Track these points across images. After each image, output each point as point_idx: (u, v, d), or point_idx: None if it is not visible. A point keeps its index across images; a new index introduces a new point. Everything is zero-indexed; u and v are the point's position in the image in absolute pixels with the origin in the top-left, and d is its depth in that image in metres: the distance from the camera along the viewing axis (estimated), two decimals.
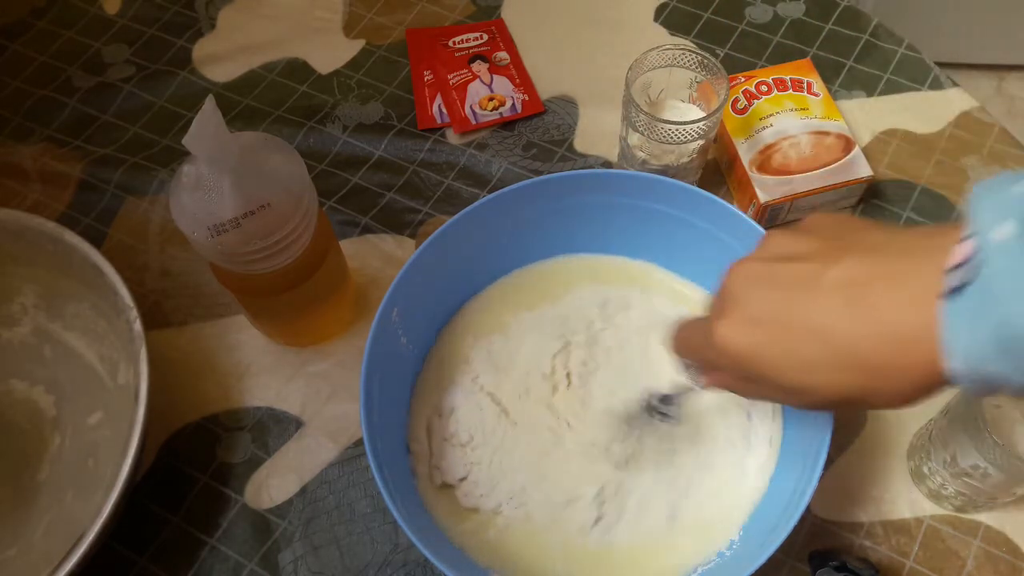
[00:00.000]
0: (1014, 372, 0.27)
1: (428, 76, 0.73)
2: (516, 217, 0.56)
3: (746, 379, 0.37)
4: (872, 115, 0.69)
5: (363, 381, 0.48)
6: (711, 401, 0.52)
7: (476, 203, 0.54)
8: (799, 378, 0.33)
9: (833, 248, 0.33)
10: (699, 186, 0.57)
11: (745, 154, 0.62)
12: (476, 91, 0.71)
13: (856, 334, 0.31)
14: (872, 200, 0.64)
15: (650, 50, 0.59)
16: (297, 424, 0.57)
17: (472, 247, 0.56)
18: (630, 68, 0.58)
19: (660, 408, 0.50)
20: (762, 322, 0.33)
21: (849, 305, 0.31)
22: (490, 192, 0.66)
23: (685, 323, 0.41)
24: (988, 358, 0.27)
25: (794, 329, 0.32)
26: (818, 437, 0.46)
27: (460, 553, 0.49)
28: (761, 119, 0.64)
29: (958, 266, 0.27)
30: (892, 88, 0.70)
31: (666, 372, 0.53)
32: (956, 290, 0.27)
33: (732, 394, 0.40)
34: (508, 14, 0.78)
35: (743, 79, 0.66)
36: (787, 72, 0.67)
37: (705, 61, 0.58)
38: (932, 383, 0.30)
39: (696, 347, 0.39)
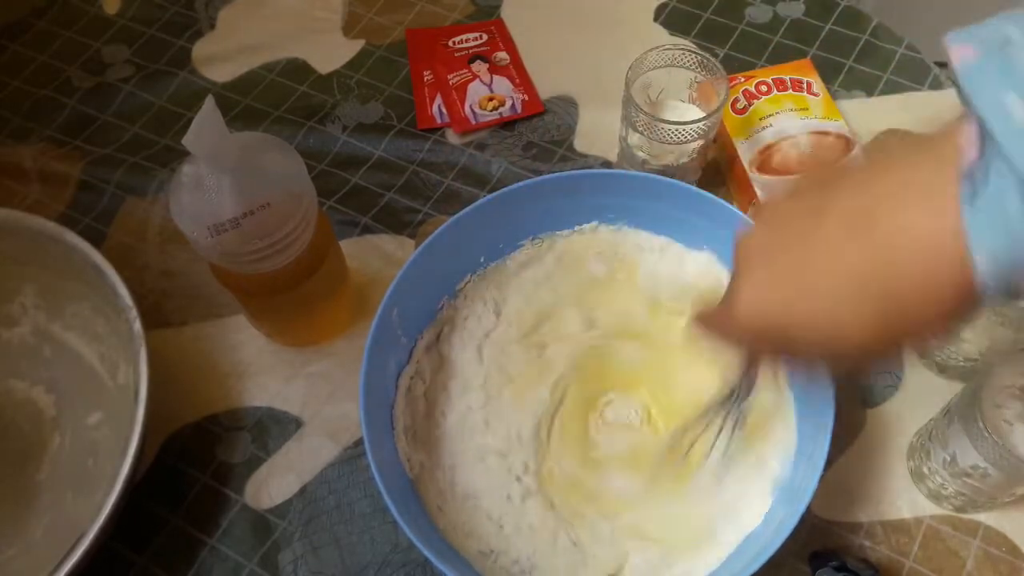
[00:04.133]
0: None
1: (428, 76, 0.73)
2: (516, 217, 0.56)
3: (783, 348, 0.35)
4: (872, 115, 0.69)
5: (362, 381, 0.48)
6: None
7: (476, 203, 0.54)
8: (830, 325, 0.31)
9: (825, 192, 0.32)
10: (699, 186, 0.57)
11: (745, 154, 0.62)
12: (476, 91, 0.71)
13: (879, 257, 0.29)
14: None
15: (650, 50, 0.59)
16: (297, 424, 0.57)
17: (472, 247, 0.56)
18: (630, 68, 0.58)
19: (733, 412, 0.47)
20: (779, 282, 0.33)
21: (864, 231, 0.30)
22: (490, 192, 0.66)
23: (705, 313, 0.39)
24: (1018, 256, 0.26)
25: (811, 278, 0.31)
26: (818, 437, 0.46)
27: (458, 554, 0.49)
28: (761, 119, 0.64)
29: (966, 169, 0.26)
30: (892, 88, 0.70)
31: None
32: (973, 192, 0.26)
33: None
34: (508, 14, 0.78)
35: (743, 79, 0.66)
36: (787, 72, 0.67)
37: (705, 61, 0.58)
38: (961, 296, 0.28)
39: (725, 332, 0.38)
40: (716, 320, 0.38)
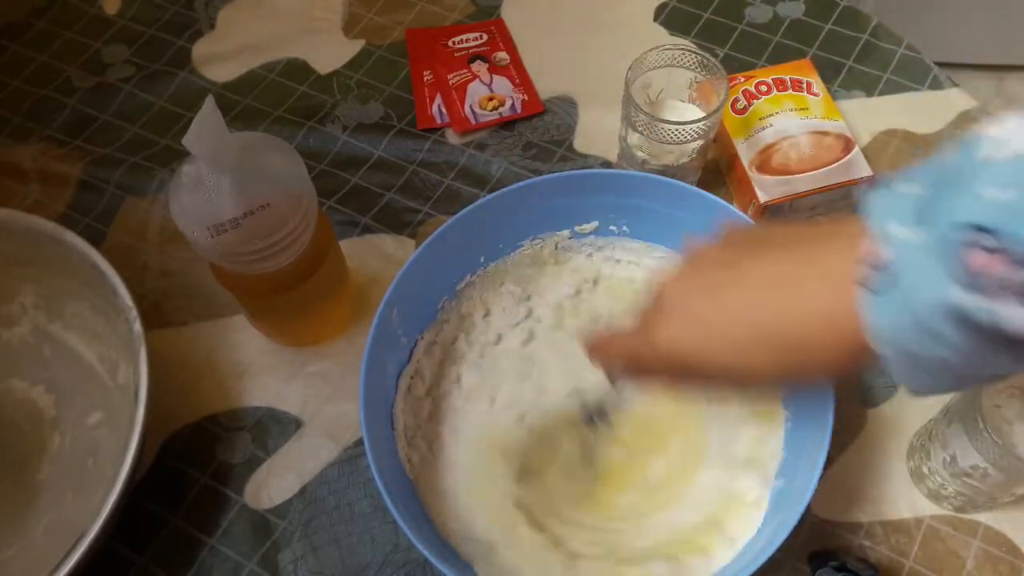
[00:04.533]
0: (932, 345, 0.29)
1: (428, 76, 0.73)
2: (516, 217, 0.56)
3: (686, 376, 0.40)
4: (872, 115, 0.69)
5: (362, 381, 0.48)
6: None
7: (476, 203, 0.54)
8: (737, 363, 0.36)
9: (753, 250, 0.37)
10: (699, 186, 0.57)
11: (745, 154, 0.62)
12: (476, 91, 0.71)
13: (781, 317, 0.34)
14: None
15: (650, 50, 0.59)
16: (297, 424, 0.57)
17: (472, 247, 0.56)
18: (630, 68, 0.58)
19: (595, 418, 0.52)
20: (699, 321, 0.37)
21: (773, 292, 0.35)
22: (490, 192, 0.66)
23: (610, 336, 0.43)
24: (906, 338, 0.30)
25: (728, 322, 0.36)
26: (818, 437, 0.46)
27: (457, 554, 0.49)
28: (761, 119, 0.64)
29: (868, 260, 0.30)
30: (892, 88, 0.70)
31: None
32: (870, 280, 0.30)
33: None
34: (508, 14, 0.78)
35: (743, 79, 0.66)
36: (787, 72, 0.67)
37: (705, 61, 0.58)
38: (857, 355, 0.32)
39: (630, 355, 0.41)
40: (623, 345, 0.42)
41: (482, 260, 0.57)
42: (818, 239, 0.35)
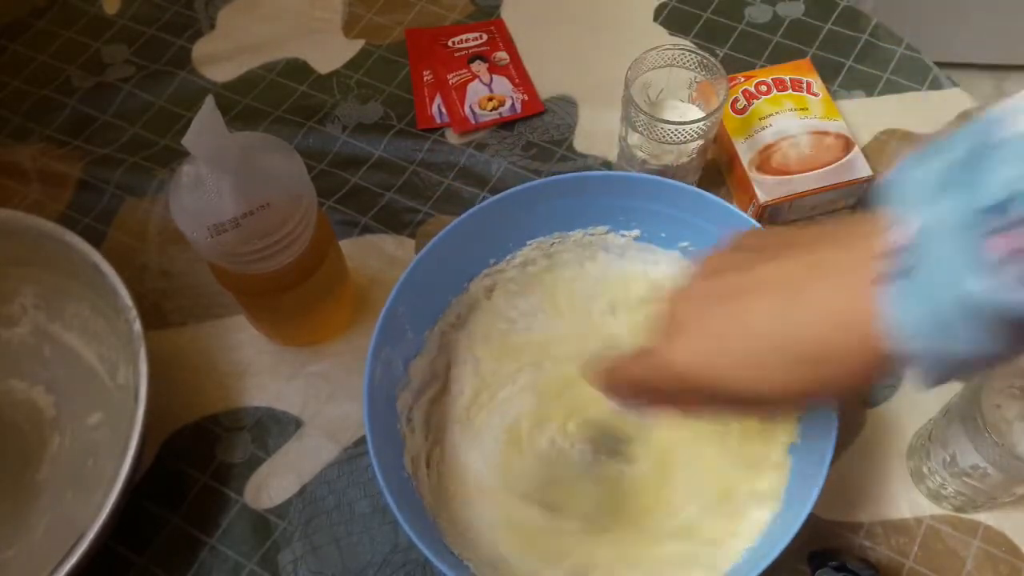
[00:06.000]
0: (952, 344, 0.28)
1: (428, 76, 0.73)
2: (518, 218, 0.56)
3: (703, 400, 0.37)
4: (872, 115, 0.69)
5: (367, 380, 0.48)
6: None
7: (480, 205, 0.54)
8: (754, 383, 0.34)
9: (765, 254, 0.35)
10: (699, 186, 0.57)
11: (745, 154, 0.62)
12: (476, 91, 0.71)
13: (798, 328, 0.32)
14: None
15: (650, 50, 0.59)
16: (297, 424, 0.57)
17: (475, 247, 0.56)
18: (630, 68, 0.58)
19: (613, 450, 0.50)
20: (713, 337, 0.35)
21: (787, 301, 0.32)
22: (490, 192, 0.66)
23: (618, 362, 0.39)
24: (927, 335, 0.28)
25: (743, 336, 0.34)
26: (822, 438, 0.46)
27: (458, 555, 0.49)
28: (761, 119, 0.64)
29: (889, 252, 0.29)
30: (892, 88, 0.70)
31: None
32: (891, 275, 0.28)
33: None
34: (508, 14, 0.78)
35: (743, 79, 0.66)
36: (787, 72, 0.67)
37: (705, 61, 0.58)
38: (879, 365, 0.31)
39: (644, 381, 0.38)
40: (634, 369, 0.38)
41: (492, 262, 0.57)
42: (835, 238, 0.33)
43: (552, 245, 0.58)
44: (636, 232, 0.57)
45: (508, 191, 0.54)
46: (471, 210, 0.54)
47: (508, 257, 0.58)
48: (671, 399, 0.39)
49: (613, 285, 0.59)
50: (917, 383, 0.31)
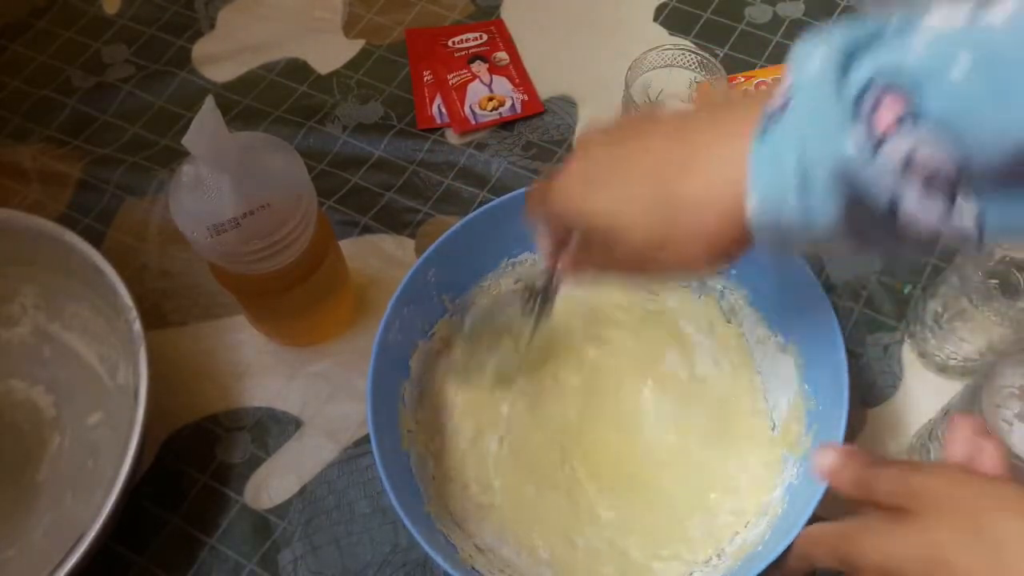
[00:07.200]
0: (805, 212, 0.29)
1: (428, 76, 0.73)
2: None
3: (579, 230, 0.40)
4: None
5: (371, 379, 0.48)
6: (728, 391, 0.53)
7: (482, 208, 0.54)
8: (619, 218, 0.36)
9: (671, 117, 0.37)
10: None
11: None
12: (476, 91, 0.71)
13: (667, 178, 0.34)
14: None
15: (650, 50, 0.59)
16: (297, 424, 0.57)
17: (479, 248, 0.56)
18: (630, 68, 0.58)
19: (536, 298, 0.50)
20: (593, 172, 0.38)
21: (667, 153, 0.35)
22: (490, 192, 0.66)
23: (538, 184, 0.43)
24: (785, 194, 0.29)
25: (619, 177, 0.36)
26: (828, 441, 0.46)
27: (457, 550, 0.49)
28: None
29: (774, 110, 0.30)
30: None
31: None
32: (765, 129, 0.30)
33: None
34: (508, 14, 0.78)
35: (743, 79, 0.66)
36: None
37: (705, 61, 0.58)
38: (731, 232, 0.32)
39: (540, 204, 0.41)
40: (538, 192, 0.42)
41: (515, 251, 0.57)
42: (733, 101, 0.35)
43: None
44: None
45: (519, 191, 0.54)
46: (473, 213, 0.53)
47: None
48: (553, 225, 0.42)
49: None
50: (760, 248, 0.33)
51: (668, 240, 0.35)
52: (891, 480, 0.36)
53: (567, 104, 0.72)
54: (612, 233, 0.37)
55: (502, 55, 0.74)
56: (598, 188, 0.37)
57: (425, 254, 0.52)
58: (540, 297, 0.50)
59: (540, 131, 0.70)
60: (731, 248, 0.34)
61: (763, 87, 0.65)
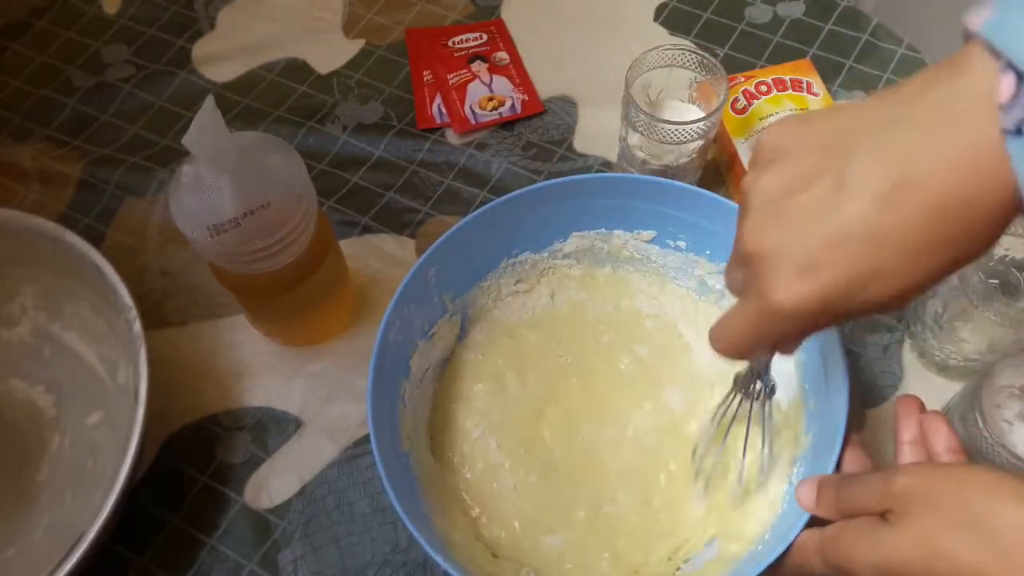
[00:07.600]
0: None
1: (428, 76, 0.73)
2: (522, 219, 0.56)
3: (826, 321, 0.33)
4: None
5: (371, 379, 0.48)
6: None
7: (482, 208, 0.54)
8: (880, 288, 0.30)
9: (827, 153, 0.31)
10: (699, 186, 0.57)
11: (745, 154, 0.62)
12: (476, 91, 0.71)
13: (907, 216, 0.28)
14: None
15: (650, 50, 0.59)
16: (297, 424, 0.57)
17: (480, 248, 0.56)
18: (630, 68, 0.58)
19: (761, 381, 0.45)
20: (813, 263, 0.30)
21: (886, 198, 0.29)
22: (490, 192, 0.66)
23: (723, 323, 0.36)
24: None
25: (846, 249, 0.29)
26: (828, 445, 0.46)
27: (457, 550, 0.49)
28: (761, 119, 0.64)
29: (1009, 102, 0.26)
30: None
31: None
32: (1018, 127, 0.26)
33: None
34: (508, 14, 0.78)
35: (743, 79, 0.66)
36: (787, 72, 0.67)
37: (705, 61, 0.58)
38: (1010, 210, 0.28)
39: (754, 333, 0.34)
40: (737, 323, 0.35)
41: (514, 251, 0.57)
42: (921, 103, 0.29)
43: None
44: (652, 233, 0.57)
45: (520, 190, 0.53)
46: (475, 212, 0.53)
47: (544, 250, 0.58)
48: (787, 341, 0.36)
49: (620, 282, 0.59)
50: None
51: (954, 262, 0.30)
52: (873, 490, 0.36)
53: (567, 104, 0.72)
54: (885, 297, 0.31)
55: (502, 55, 0.74)
56: (840, 277, 0.30)
57: (425, 254, 0.52)
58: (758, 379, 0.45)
59: (540, 131, 0.70)
60: (1001, 231, 0.29)
61: (763, 87, 0.65)
